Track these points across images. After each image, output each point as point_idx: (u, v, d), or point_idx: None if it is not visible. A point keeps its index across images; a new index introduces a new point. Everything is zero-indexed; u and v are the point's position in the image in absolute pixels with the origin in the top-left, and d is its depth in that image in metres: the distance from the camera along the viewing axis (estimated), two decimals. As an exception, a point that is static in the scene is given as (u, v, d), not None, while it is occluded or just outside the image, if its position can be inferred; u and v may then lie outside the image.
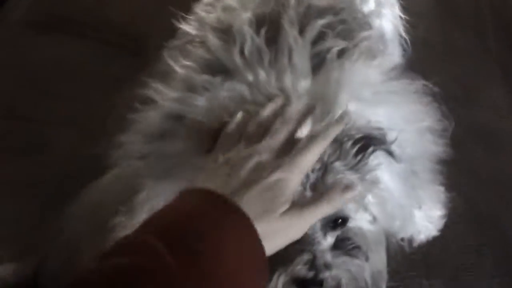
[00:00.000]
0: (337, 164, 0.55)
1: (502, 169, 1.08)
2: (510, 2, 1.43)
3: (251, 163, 0.46)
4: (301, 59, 0.62)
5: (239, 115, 0.56)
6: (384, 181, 0.61)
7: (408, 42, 1.08)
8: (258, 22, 0.67)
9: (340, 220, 0.60)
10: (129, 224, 0.61)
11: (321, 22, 0.67)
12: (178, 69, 0.68)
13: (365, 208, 0.62)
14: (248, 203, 0.43)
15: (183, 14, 0.81)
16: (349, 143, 0.56)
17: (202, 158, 0.56)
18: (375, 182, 0.59)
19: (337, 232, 0.60)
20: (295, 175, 0.47)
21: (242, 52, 0.63)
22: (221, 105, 0.60)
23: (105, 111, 0.88)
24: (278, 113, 0.55)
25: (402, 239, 0.77)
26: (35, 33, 1.14)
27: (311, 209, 0.48)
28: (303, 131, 0.54)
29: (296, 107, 0.56)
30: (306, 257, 0.56)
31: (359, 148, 0.56)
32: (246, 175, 0.45)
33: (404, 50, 1.08)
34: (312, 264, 0.56)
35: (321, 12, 0.71)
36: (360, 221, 0.62)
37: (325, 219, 0.58)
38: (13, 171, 0.89)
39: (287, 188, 0.46)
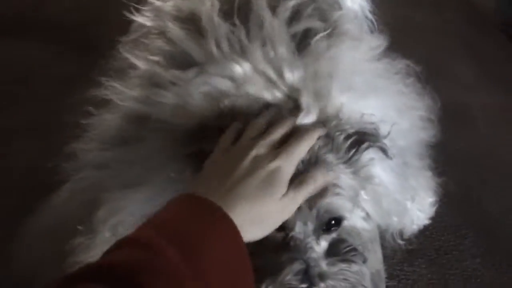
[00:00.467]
0: (330, 156, 0.53)
1: (476, 145, 1.07)
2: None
3: (252, 155, 0.51)
4: (282, 44, 0.56)
5: (236, 124, 0.55)
6: (378, 177, 0.57)
7: (375, 22, 1.04)
8: (226, 9, 0.60)
9: (334, 221, 0.53)
10: (92, 244, 0.54)
11: (291, 2, 0.61)
12: (139, 64, 0.60)
13: (359, 205, 0.56)
14: (250, 189, 0.48)
15: (135, 5, 0.73)
16: (341, 137, 0.54)
17: (182, 162, 0.54)
18: (369, 178, 0.56)
19: (332, 235, 0.54)
20: (291, 163, 0.51)
21: (218, 44, 0.56)
22: (195, 101, 0.55)
23: (60, 116, 0.81)
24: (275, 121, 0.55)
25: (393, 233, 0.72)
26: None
27: (300, 190, 0.51)
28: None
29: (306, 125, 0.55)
30: (297, 266, 0.50)
31: (351, 143, 0.54)
32: (248, 165, 0.50)
33: (371, 31, 1.04)
34: (305, 274, 0.49)
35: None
36: (353, 219, 0.56)
37: (318, 222, 0.52)
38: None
39: (285, 175, 0.50)
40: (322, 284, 0.49)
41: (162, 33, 0.63)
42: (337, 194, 0.52)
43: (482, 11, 1.56)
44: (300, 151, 0.52)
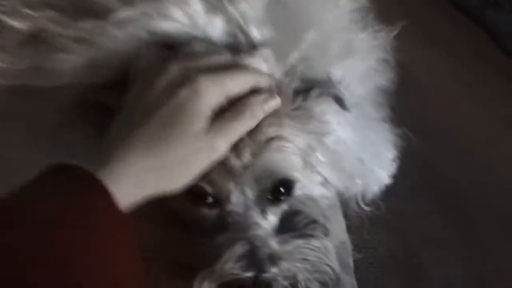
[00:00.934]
0: None
1: (422, 104, 1.01)
2: None
3: (163, 81, 0.41)
4: None
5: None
6: (335, 132, 0.47)
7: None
8: None
9: (282, 187, 0.43)
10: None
11: None
12: (19, 25, 0.46)
13: (314, 170, 0.46)
14: (155, 126, 0.39)
15: None
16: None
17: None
18: (323, 134, 0.45)
19: (282, 207, 0.43)
20: (214, 89, 0.40)
21: None
22: (107, 58, 0.43)
23: None
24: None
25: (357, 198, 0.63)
26: None
27: (233, 124, 0.41)
28: None
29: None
30: (240, 248, 0.39)
31: (297, 89, 0.43)
32: (156, 95, 0.40)
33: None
34: (251, 258, 0.38)
35: None
36: (309, 186, 0.46)
37: (260, 188, 0.41)
38: None
39: (202, 104, 0.40)
40: (274, 269, 0.38)
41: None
42: (281, 148, 0.41)
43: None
44: (232, 83, 0.41)
